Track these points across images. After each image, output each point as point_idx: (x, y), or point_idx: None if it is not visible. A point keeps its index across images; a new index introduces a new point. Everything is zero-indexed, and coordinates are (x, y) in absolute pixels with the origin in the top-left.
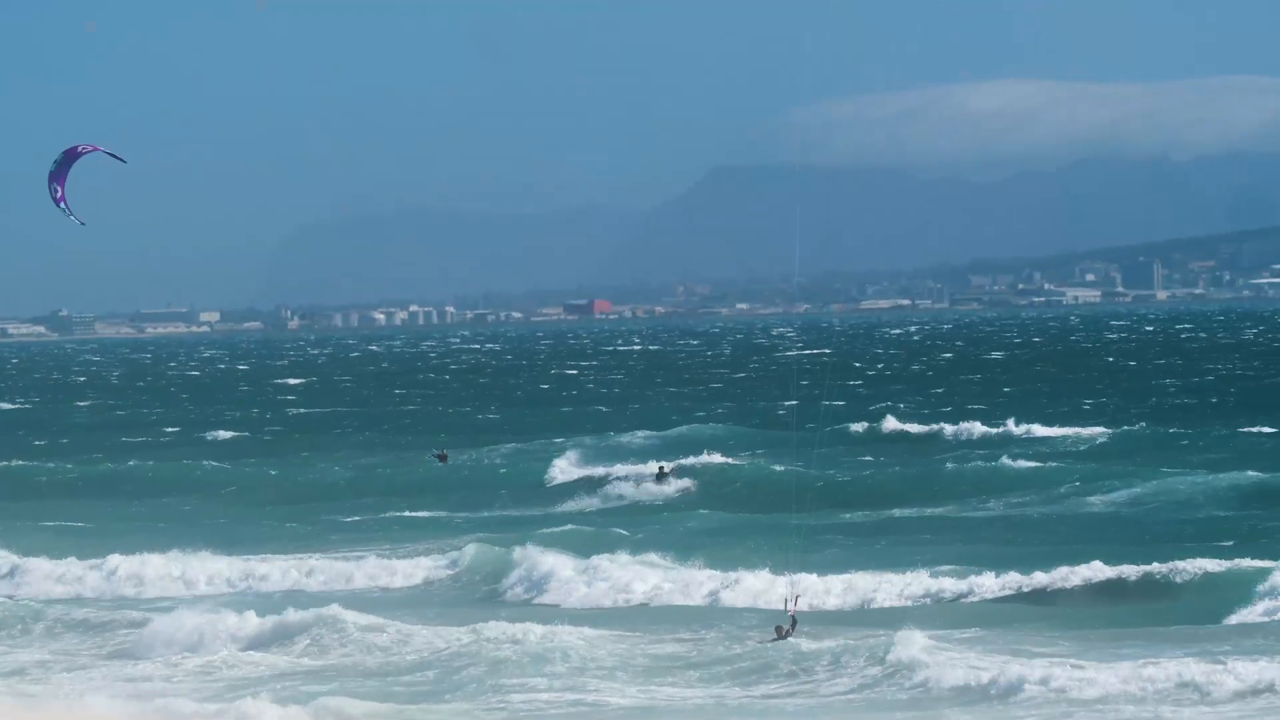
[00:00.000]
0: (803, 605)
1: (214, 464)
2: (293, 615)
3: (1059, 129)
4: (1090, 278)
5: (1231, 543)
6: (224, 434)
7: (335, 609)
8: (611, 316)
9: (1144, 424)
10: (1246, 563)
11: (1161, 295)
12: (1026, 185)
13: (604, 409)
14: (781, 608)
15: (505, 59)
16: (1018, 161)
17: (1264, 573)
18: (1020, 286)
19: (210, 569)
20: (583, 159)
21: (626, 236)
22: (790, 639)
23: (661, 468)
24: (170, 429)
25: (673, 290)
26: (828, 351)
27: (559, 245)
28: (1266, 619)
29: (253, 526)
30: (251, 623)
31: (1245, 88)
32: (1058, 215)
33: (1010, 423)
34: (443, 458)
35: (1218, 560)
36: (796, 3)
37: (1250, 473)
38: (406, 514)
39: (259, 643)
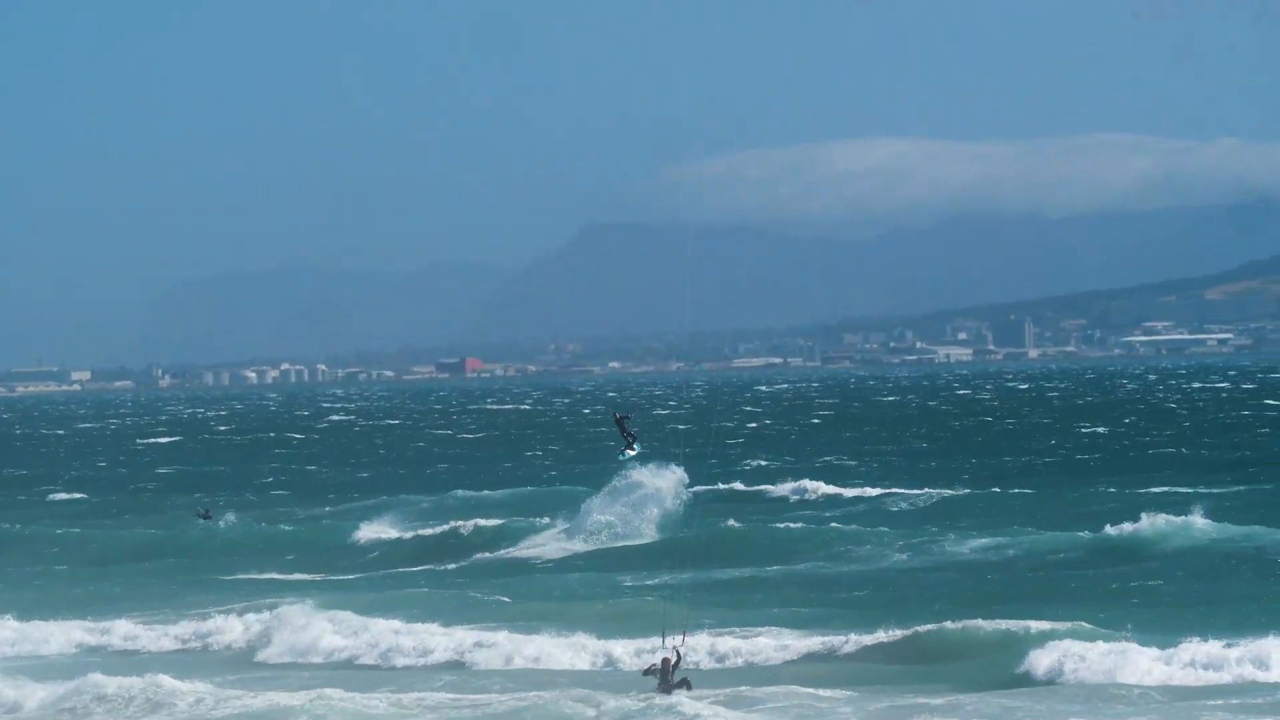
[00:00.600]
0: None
1: (68, 526)
2: (86, 680)
3: (933, 187)
4: (962, 336)
5: (1055, 604)
6: (78, 495)
7: (96, 677)
8: (484, 374)
9: (1001, 483)
10: (1042, 624)
11: (1033, 353)
12: (900, 243)
13: (469, 467)
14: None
15: (378, 117)
16: (891, 219)
17: (1052, 634)
18: (892, 345)
19: (37, 633)
20: (455, 216)
21: (499, 294)
22: (676, 689)
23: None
24: (37, 490)
25: (545, 348)
26: (685, 408)
27: (431, 303)
28: (1047, 680)
29: (103, 585)
30: (37, 692)
31: (1119, 145)
32: (931, 273)
33: (839, 484)
34: (207, 515)
35: (1039, 620)
36: (672, 62)
37: (1084, 533)
38: (256, 576)
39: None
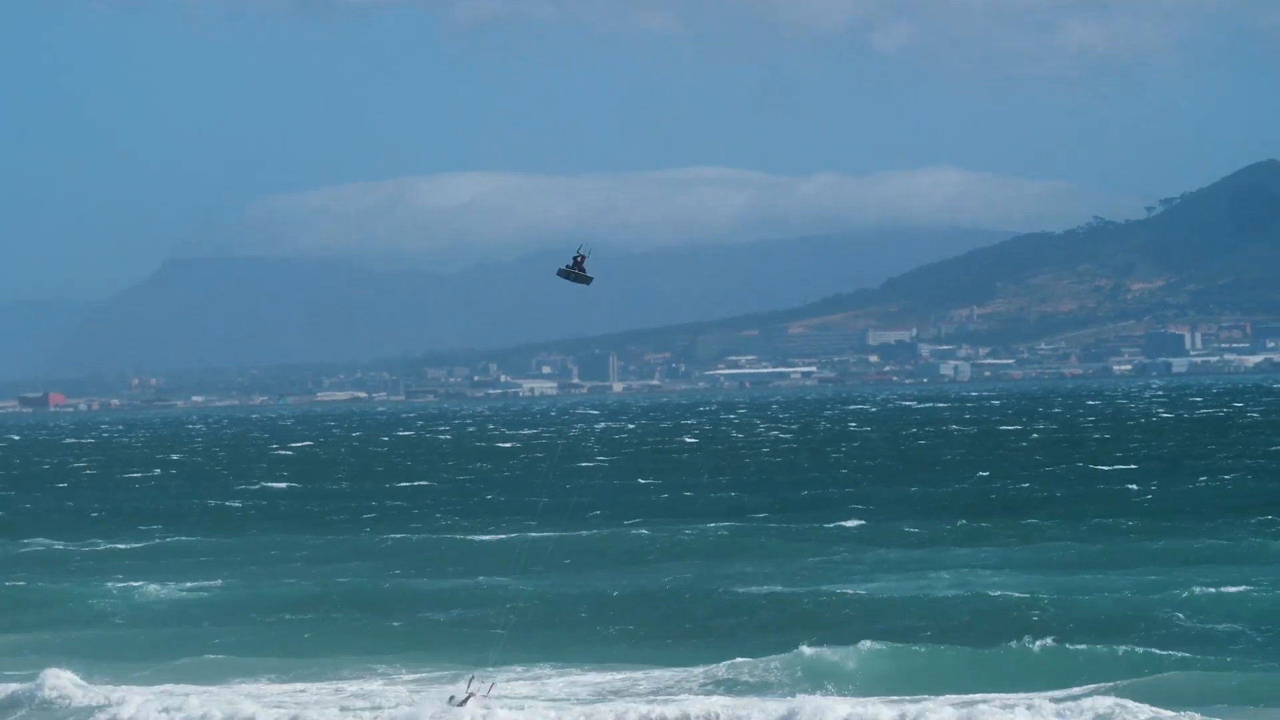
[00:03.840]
0: None
1: None
2: None
3: (524, 222)
4: (547, 370)
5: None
6: None
7: None
8: (67, 409)
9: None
10: None
11: (618, 387)
12: (486, 277)
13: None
14: None
15: None
16: (479, 253)
17: None
18: (476, 378)
19: None
20: (34, 251)
21: (80, 329)
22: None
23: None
24: None
25: (127, 382)
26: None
27: (12, 338)
28: None
29: None
30: None
31: (719, 181)
32: (516, 307)
33: None
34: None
35: None
36: (258, 96)
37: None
38: None
39: None
